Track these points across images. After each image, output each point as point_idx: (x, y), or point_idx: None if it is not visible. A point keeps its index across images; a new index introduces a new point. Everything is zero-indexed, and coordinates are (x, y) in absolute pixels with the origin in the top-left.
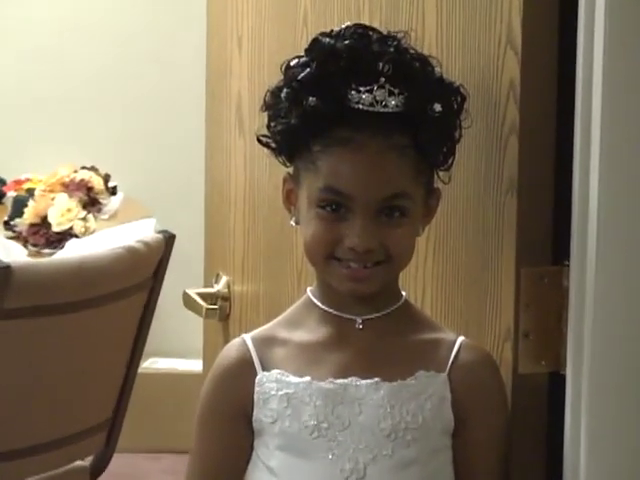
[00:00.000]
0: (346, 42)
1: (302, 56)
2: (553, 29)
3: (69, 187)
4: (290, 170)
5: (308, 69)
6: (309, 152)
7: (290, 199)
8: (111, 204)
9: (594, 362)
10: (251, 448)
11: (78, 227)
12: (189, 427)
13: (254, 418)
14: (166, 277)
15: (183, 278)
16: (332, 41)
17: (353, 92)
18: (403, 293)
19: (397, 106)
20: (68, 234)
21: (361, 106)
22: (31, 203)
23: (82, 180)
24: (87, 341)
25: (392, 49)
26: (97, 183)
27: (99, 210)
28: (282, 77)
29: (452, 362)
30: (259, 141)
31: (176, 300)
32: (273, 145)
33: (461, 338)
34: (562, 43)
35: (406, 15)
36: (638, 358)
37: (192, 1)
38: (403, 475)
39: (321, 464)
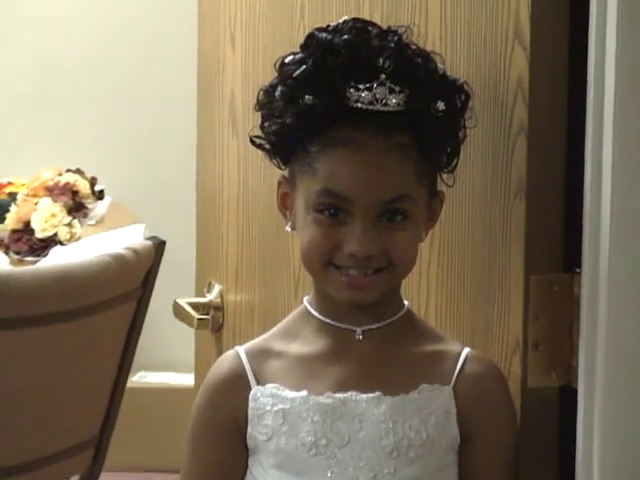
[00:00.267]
0: (344, 37)
1: (297, 52)
2: (563, 23)
3: (53, 191)
4: (285, 173)
5: (304, 66)
6: (305, 153)
7: (286, 203)
8: (98, 209)
9: (607, 375)
10: (245, 466)
11: (63, 233)
12: (180, 445)
13: (248, 435)
14: (156, 286)
15: (173, 287)
16: (329, 36)
17: (352, 90)
18: (405, 302)
19: (398, 104)
20: (52, 241)
21: (360, 104)
22: (13, 208)
23: (67, 184)
24: (72, 354)
25: (392, 44)
26: (83, 187)
27: (85, 215)
28: (277, 74)
29: (457, 375)
30: (252, 142)
31: (166, 310)
32: (267, 146)
33: (467, 349)
34: (573, 38)
35: (408, 9)
36: None
37: None
38: None
39: None
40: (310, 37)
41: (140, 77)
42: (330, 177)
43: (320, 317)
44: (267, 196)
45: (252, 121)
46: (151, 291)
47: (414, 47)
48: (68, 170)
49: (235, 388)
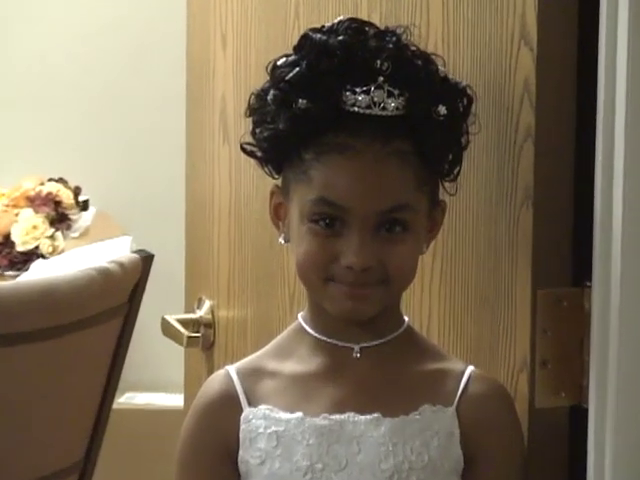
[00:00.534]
0: (340, 38)
1: (290, 54)
2: (572, 22)
3: (35, 202)
4: (279, 181)
5: (297, 68)
6: (299, 161)
7: (279, 214)
8: (82, 220)
9: (619, 394)
10: None
11: (45, 246)
12: (170, 468)
13: (240, 459)
14: (143, 302)
15: (162, 303)
16: (324, 37)
17: (348, 93)
18: (405, 318)
19: (397, 108)
20: (34, 254)
21: (357, 109)
22: None
23: (49, 194)
24: (54, 374)
25: (391, 45)
26: (66, 197)
27: (68, 227)
28: (269, 78)
29: (461, 395)
30: (243, 149)
31: (154, 327)
32: (259, 154)
33: (470, 368)
34: (582, 37)
35: (409, 8)
36: None
37: None
38: None
39: None
40: (304, 38)
41: (126, 80)
42: (326, 185)
43: (315, 334)
44: (260, 206)
45: (244, 127)
46: (138, 307)
47: (414, 48)
48: (50, 179)
49: (226, 409)
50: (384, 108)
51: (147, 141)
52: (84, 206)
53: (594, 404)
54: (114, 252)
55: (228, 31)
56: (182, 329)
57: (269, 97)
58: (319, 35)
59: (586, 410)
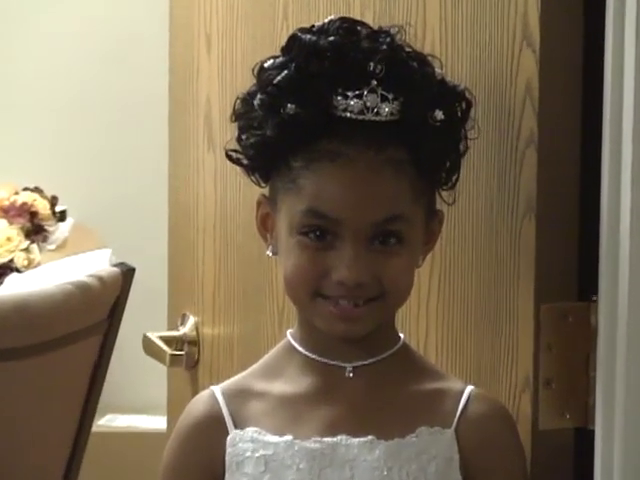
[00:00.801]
0: (330, 39)
1: (278, 56)
2: (577, 22)
3: (9, 212)
4: (266, 190)
5: (286, 71)
6: (288, 169)
7: (266, 225)
8: (59, 232)
9: (628, 415)
10: None
11: (20, 260)
12: None
13: None
14: (124, 318)
15: (144, 319)
16: (314, 38)
17: (339, 98)
18: (401, 335)
19: (391, 114)
20: (8, 268)
21: (349, 114)
22: None
23: (24, 204)
24: (28, 395)
25: (385, 46)
26: (42, 207)
27: (45, 239)
28: (255, 81)
29: (460, 416)
30: (228, 157)
31: (135, 345)
32: (245, 161)
33: (470, 387)
34: (587, 39)
35: (404, 7)
36: None
37: None
38: None
39: None
40: (292, 39)
41: (105, 83)
42: (316, 196)
43: (305, 352)
44: (248, 217)
45: (230, 132)
46: (119, 324)
47: (409, 49)
48: (25, 188)
49: (211, 432)
50: (377, 113)
51: (127, 148)
52: (61, 217)
53: (601, 425)
54: (93, 265)
55: (213, 31)
56: (165, 347)
57: (256, 101)
58: (309, 36)
59: (592, 432)
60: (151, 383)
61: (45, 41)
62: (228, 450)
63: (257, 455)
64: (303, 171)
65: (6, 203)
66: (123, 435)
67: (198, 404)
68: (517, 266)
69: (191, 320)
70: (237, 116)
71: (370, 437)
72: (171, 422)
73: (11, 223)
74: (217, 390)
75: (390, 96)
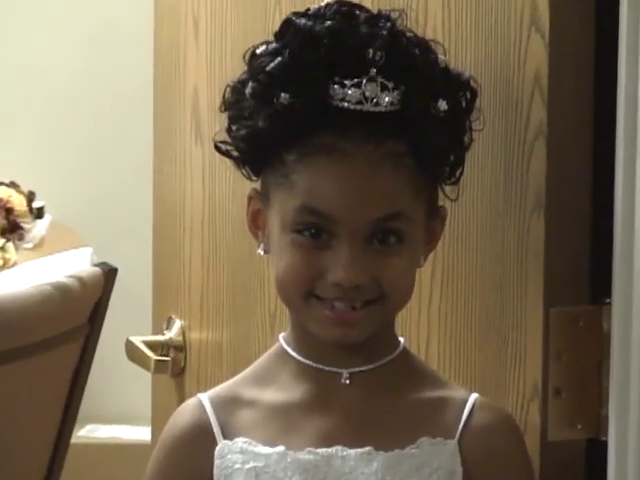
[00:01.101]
0: (327, 24)
1: (271, 42)
2: (589, 6)
3: None
4: (257, 185)
5: (279, 58)
6: (281, 163)
7: (257, 222)
8: (36, 230)
9: None
10: None
11: None
12: None
13: None
14: (106, 322)
15: (127, 323)
16: (309, 23)
17: (336, 87)
18: (401, 340)
19: (392, 104)
20: None
21: (347, 104)
22: None
23: None
24: (4, 404)
25: (384, 32)
26: (18, 203)
27: (21, 237)
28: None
29: (463, 426)
30: (217, 149)
31: (118, 351)
32: (235, 154)
33: (474, 396)
34: (600, 23)
35: None
36: None
37: None
38: None
39: None
40: (286, 24)
41: (86, 72)
42: (310, 192)
43: (299, 358)
44: (238, 214)
45: (220, 125)
46: (100, 328)
47: (410, 35)
48: (0, 184)
49: (198, 443)
50: (377, 104)
51: (109, 141)
52: (38, 214)
53: (614, 437)
54: (72, 266)
55: (201, 15)
56: (149, 352)
57: (247, 90)
58: (303, 20)
59: (605, 443)
60: (134, 391)
61: (24, 31)
62: (216, 462)
63: (247, 467)
64: (297, 165)
65: None
66: (104, 447)
67: (184, 413)
68: (524, 267)
69: (177, 324)
70: (227, 105)
71: (368, 448)
72: (155, 433)
73: None
74: (204, 398)
75: (390, 85)
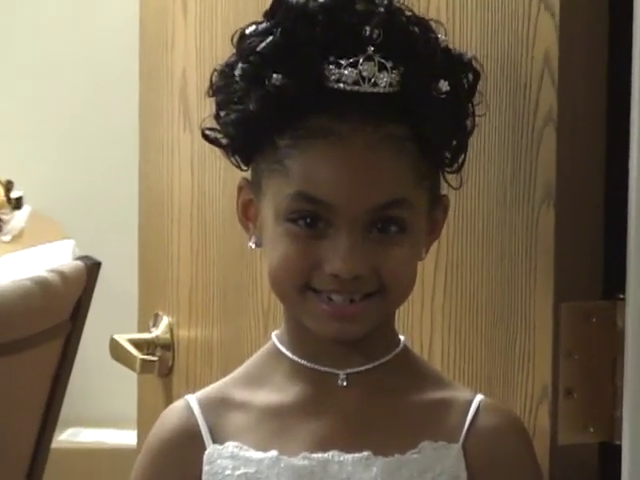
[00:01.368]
0: (321, 1)
1: (262, 21)
2: None
3: None
4: (248, 174)
5: (270, 37)
6: (274, 149)
7: (248, 213)
8: (15, 221)
9: None
10: None
11: None
12: None
13: None
14: (89, 319)
15: (111, 320)
16: (302, 0)
17: (332, 67)
18: (401, 337)
19: (390, 84)
20: None
21: (343, 85)
22: None
23: None
24: None
25: (382, 9)
26: None
27: None
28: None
29: (468, 429)
30: (205, 136)
31: (102, 350)
32: (224, 141)
33: (479, 397)
34: (614, 1)
35: None
36: None
37: None
38: None
39: None
40: (278, 1)
41: (67, 54)
42: (306, 178)
43: (293, 357)
44: (229, 205)
45: (209, 110)
46: (82, 325)
47: (409, 13)
48: None
49: (185, 448)
50: (375, 84)
51: (92, 127)
52: (17, 204)
53: (628, 440)
54: (53, 259)
55: None
56: (135, 351)
57: (236, 72)
58: None
59: (619, 447)
60: (119, 392)
61: (2, 15)
62: (205, 468)
63: (238, 473)
64: (291, 150)
65: None
66: (87, 451)
67: (171, 416)
68: (533, 260)
69: (164, 321)
70: (215, 90)
71: (366, 453)
72: (142, 436)
73: None
74: (193, 400)
75: (389, 64)
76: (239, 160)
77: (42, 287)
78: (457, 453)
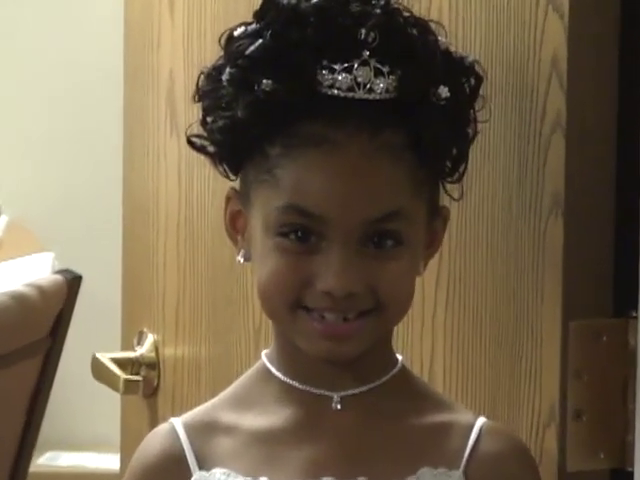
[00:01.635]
0: (314, 2)
1: (251, 23)
2: None
3: None
4: (237, 183)
5: (260, 40)
6: (263, 157)
7: (236, 225)
8: None
9: None
10: None
11: None
12: None
13: None
14: (69, 336)
15: (93, 338)
16: (294, 1)
17: (325, 72)
18: (399, 357)
19: (387, 90)
20: None
21: (336, 91)
22: None
23: None
24: None
25: (378, 10)
26: None
27: None
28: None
29: (469, 454)
30: (190, 143)
31: (83, 369)
32: (211, 149)
33: (481, 420)
34: (625, 2)
35: None
36: None
37: None
38: None
39: None
40: (268, 2)
41: (48, 55)
42: (297, 189)
43: (284, 378)
44: (218, 215)
45: (199, 114)
46: (62, 342)
47: (407, 14)
48: None
49: (170, 473)
50: (371, 90)
51: (74, 131)
52: None
53: None
54: (31, 273)
55: None
56: (118, 371)
57: (224, 77)
58: None
59: (631, 474)
60: (101, 414)
61: None
62: None
63: None
64: (281, 159)
65: None
66: (67, 476)
67: (155, 440)
68: (541, 275)
69: (150, 338)
70: (202, 95)
71: (362, 479)
72: (125, 460)
73: None
74: (178, 423)
75: (385, 69)
76: (227, 169)
77: (19, 302)
78: None
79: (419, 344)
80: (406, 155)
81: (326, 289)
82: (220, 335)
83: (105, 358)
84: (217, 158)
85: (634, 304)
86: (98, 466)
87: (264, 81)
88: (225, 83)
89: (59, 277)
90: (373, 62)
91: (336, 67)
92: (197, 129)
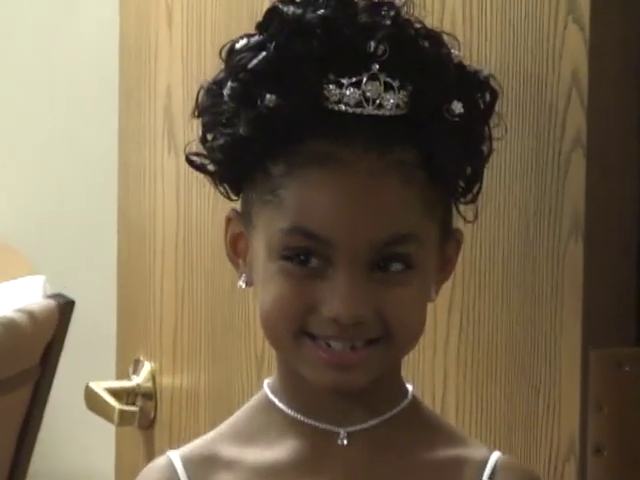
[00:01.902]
0: (319, 12)
1: (254, 35)
2: None
3: None
4: (238, 204)
5: (263, 53)
6: (266, 176)
7: (237, 247)
8: None
9: None
10: None
11: None
12: None
13: None
14: (61, 364)
15: (86, 366)
16: (298, 11)
17: (332, 86)
18: (409, 387)
19: (397, 106)
20: None
21: (344, 107)
22: None
23: None
24: None
25: (388, 22)
26: None
27: None
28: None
29: None
30: (190, 162)
31: (76, 398)
32: (211, 167)
33: (496, 454)
34: None
35: None
36: None
37: None
38: None
39: None
40: (271, 12)
41: (39, 69)
42: (302, 210)
43: (287, 411)
44: (219, 236)
45: (198, 130)
46: (54, 371)
47: (419, 26)
48: None
49: None
50: (380, 106)
51: (66, 148)
52: None
53: None
54: (21, 297)
55: (175, 2)
56: (113, 401)
57: (225, 91)
58: (292, 8)
59: None
60: (95, 446)
61: None
62: None
63: None
64: (285, 179)
65: None
66: None
67: (152, 475)
68: (559, 301)
69: (146, 367)
70: (201, 110)
71: None
72: None
73: None
74: (176, 457)
75: (395, 84)
76: (228, 189)
77: (8, 329)
78: None
79: (431, 373)
80: (417, 174)
81: (332, 315)
82: (220, 363)
83: (99, 388)
84: (217, 177)
85: None
86: None
87: (267, 96)
88: (226, 98)
89: (51, 302)
90: (383, 76)
91: (344, 81)
92: (197, 146)
